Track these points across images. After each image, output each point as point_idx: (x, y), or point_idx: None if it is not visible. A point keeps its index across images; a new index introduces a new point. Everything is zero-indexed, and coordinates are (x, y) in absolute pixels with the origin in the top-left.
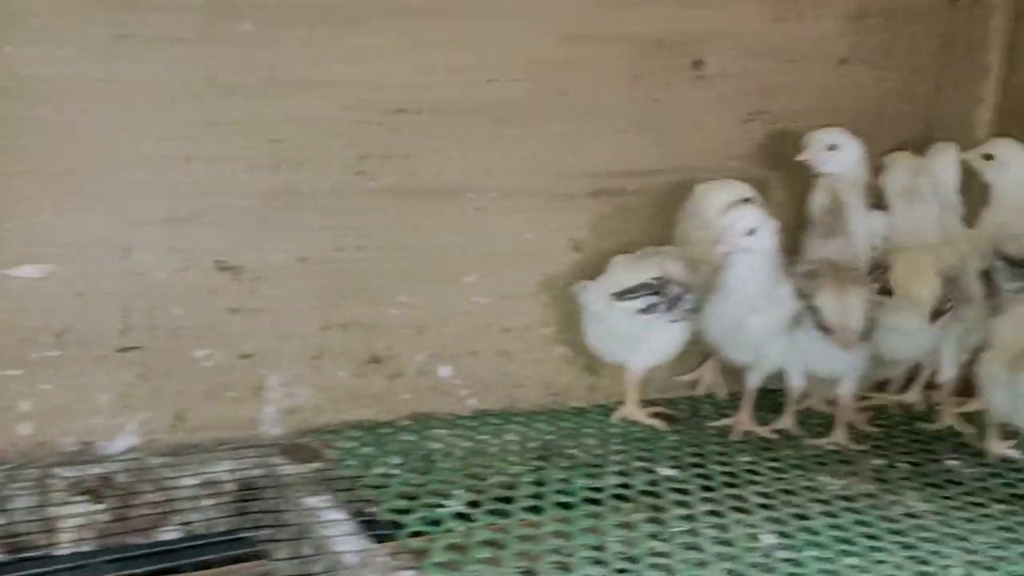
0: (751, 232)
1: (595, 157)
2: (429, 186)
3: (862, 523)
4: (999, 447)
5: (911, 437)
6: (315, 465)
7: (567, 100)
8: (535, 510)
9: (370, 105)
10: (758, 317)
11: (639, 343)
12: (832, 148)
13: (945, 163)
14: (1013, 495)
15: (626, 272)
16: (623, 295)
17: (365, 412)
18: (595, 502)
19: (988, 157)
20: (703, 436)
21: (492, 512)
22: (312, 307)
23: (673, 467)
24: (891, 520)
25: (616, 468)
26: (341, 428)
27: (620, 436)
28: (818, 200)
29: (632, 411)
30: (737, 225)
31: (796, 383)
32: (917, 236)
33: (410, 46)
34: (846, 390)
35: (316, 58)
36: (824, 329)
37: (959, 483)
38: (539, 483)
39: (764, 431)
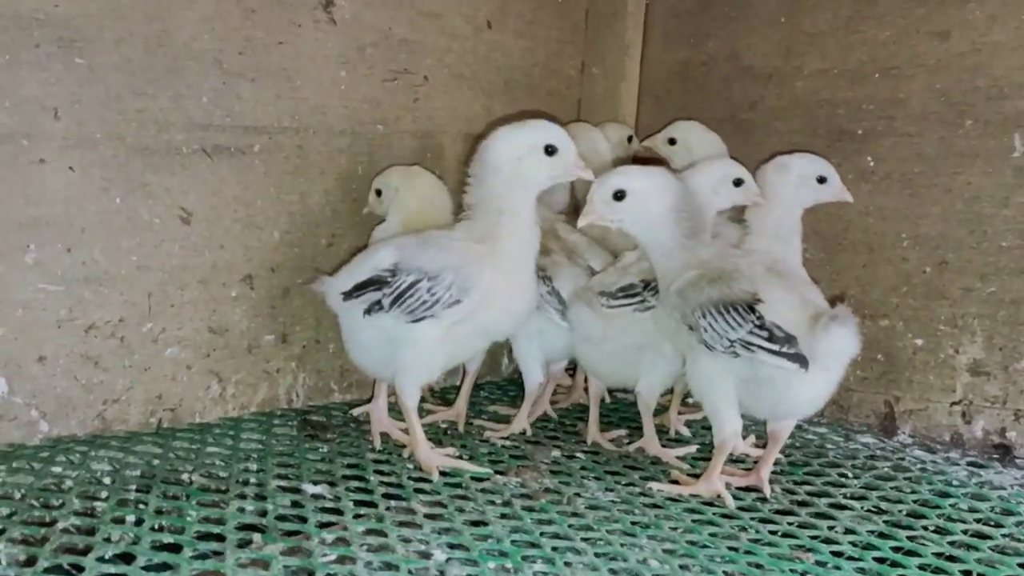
0: (619, 196)
1: (203, 105)
2: None
3: (545, 522)
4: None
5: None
6: None
7: (159, 29)
8: (124, 558)
9: None
10: None
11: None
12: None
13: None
14: (692, 474)
15: (359, 261)
16: (352, 293)
17: None
18: (215, 537)
19: (672, 141)
20: (362, 445)
21: (51, 571)
22: None
23: (322, 484)
24: (576, 515)
25: (247, 492)
26: None
27: (256, 453)
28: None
29: (421, 451)
30: (603, 189)
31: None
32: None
33: None
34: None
35: None
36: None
37: (638, 468)
38: (137, 521)
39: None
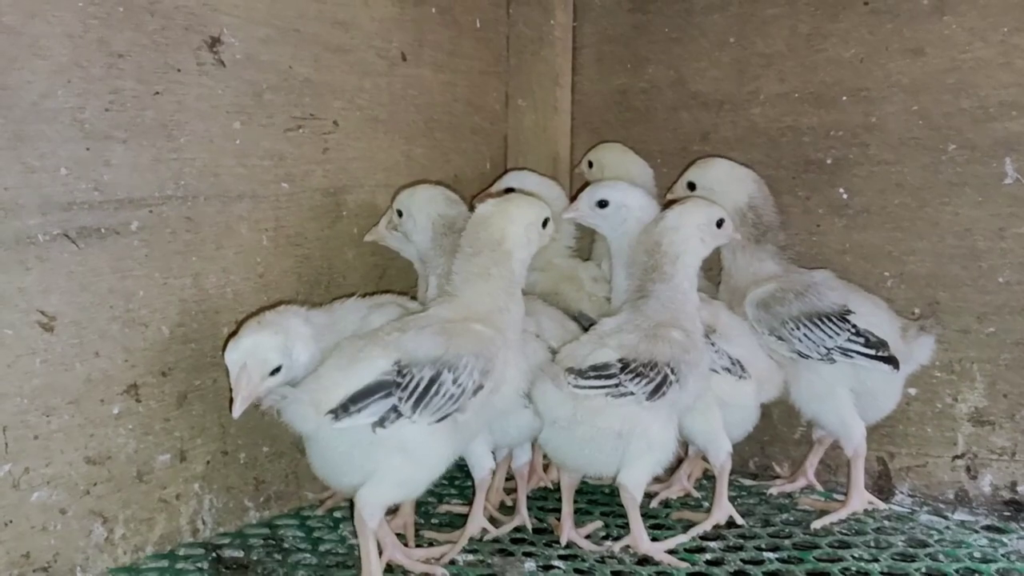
0: (602, 204)
1: (62, 178)
2: None
3: None
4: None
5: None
6: None
7: None
8: None
9: None
10: None
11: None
12: None
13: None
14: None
15: (341, 370)
16: (346, 408)
17: None
18: None
19: (590, 164)
20: None
21: None
22: None
23: None
24: None
25: None
26: None
27: None
28: None
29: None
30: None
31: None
32: None
33: None
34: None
35: None
36: None
37: (630, 573)
38: None
39: None
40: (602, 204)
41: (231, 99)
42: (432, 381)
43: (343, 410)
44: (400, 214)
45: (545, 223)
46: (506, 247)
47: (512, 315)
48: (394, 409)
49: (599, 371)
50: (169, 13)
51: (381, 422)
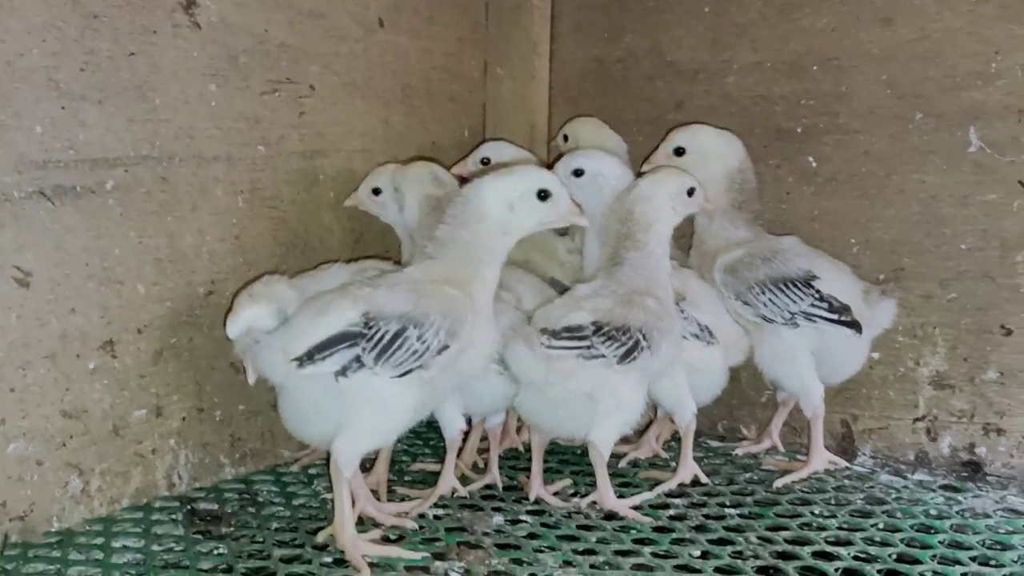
0: (578, 173)
1: (37, 137)
2: None
3: None
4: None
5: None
6: None
7: None
8: None
9: None
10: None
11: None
12: None
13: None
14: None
15: (311, 319)
16: (311, 356)
17: None
18: None
19: (565, 138)
20: (267, 537)
21: None
22: None
23: None
24: None
25: None
26: None
27: (133, 568)
28: None
29: (346, 537)
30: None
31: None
32: None
33: None
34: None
35: None
36: None
37: (594, 528)
38: None
39: None
40: (577, 173)
41: (206, 61)
42: (397, 335)
43: (308, 358)
44: (378, 191)
45: (544, 195)
46: (478, 209)
47: (487, 283)
48: (357, 359)
49: (572, 332)
50: None
51: (344, 371)
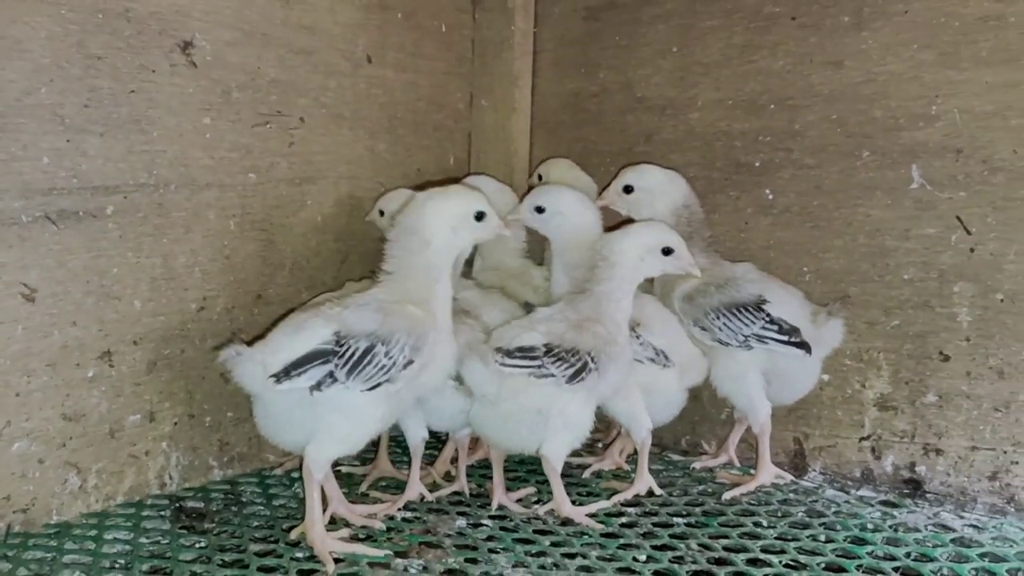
0: (539, 210)
1: (43, 167)
2: None
3: None
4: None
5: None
6: None
7: None
8: None
9: None
10: None
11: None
12: None
13: None
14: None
15: (287, 337)
16: (287, 372)
17: None
18: None
19: (539, 177)
20: (245, 534)
21: None
22: None
23: None
24: None
25: None
26: None
27: (122, 557)
28: None
29: (316, 535)
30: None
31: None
32: None
33: None
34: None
35: None
36: None
37: (549, 532)
38: None
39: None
40: (539, 210)
41: (201, 97)
42: (367, 352)
43: (284, 374)
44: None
45: (480, 217)
46: (424, 236)
47: (441, 298)
48: (330, 375)
49: (525, 352)
50: (144, 19)
51: (318, 386)
